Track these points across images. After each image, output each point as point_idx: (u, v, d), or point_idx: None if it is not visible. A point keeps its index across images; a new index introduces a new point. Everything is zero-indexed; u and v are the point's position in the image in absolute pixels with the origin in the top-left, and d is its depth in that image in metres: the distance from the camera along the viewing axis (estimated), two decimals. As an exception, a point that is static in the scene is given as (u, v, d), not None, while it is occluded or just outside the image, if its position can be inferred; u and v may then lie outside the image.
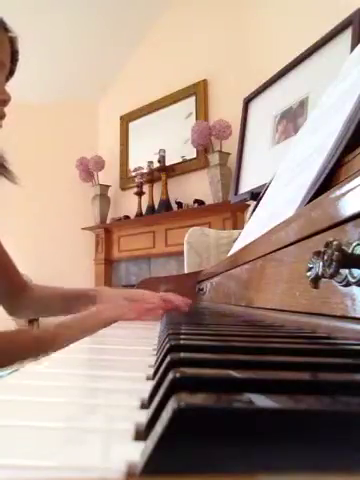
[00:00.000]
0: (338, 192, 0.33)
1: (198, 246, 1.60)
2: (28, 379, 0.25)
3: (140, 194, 3.36)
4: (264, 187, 0.99)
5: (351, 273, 0.30)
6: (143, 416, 0.17)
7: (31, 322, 2.99)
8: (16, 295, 0.97)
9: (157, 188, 3.30)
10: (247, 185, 1.79)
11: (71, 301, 0.95)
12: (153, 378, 0.25)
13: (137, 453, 0.13)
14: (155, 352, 0.35)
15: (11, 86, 0.86)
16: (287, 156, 0.81)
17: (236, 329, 0.41)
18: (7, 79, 0.83)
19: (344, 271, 0.31)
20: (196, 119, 3.11)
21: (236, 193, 1.86)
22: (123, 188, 3.68)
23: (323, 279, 0.35)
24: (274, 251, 0.50)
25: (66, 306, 0.96)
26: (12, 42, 0.82)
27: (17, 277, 0.98)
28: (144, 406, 0.19)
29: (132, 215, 3.45)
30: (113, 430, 0.16)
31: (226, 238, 1.60)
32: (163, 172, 3.22)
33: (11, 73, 0.84)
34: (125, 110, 3.68)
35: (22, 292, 0.97)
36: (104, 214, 3.66)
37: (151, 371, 0.26)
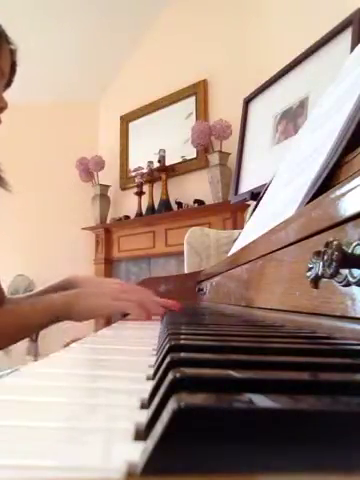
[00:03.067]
0: (338, 192, 0.33)
1: (198, 246, 1.60)
2: (28, 379, 0.25)
3: (140, 194, 3.36)
4: (264, 187, 0.99)
5: (351, 273, 0.30)
6: (143, 416, 0.17)
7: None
8: None
9: (157, 188, 3.30)
10: (247, 185, 1.79)
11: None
12: (153, 378, 0.25)
13: (137, 453, 0.13)
14: (155, 352, 0.35)
15: (12, 85, 0.87)
16: (287, 156, 0.81)
17: (236, 329, 0.41)
18: (5, 88, 0.86)
19: (344, 271, 0.31)
20: (196, 119, 3.11)
21: (236, 193, 1.86)
22: (123, 188, 3.68)
23: (323, 279, 0.35)
24: (274, 251, 0.50)
25: None
26: (12, 54, 0.85)
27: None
28: (144, 406, 0.19)
29: (132, 215, 3.45)
30: (113, 430, 0.16)
31: (226, 238, 1.60)
32: (163, 172, 3.22)
33: (9, 84, 0.87)
34: (125, 110, 3.68)
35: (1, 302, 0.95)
36: (104, 214, 3.66)
37: (151, 371, 0.26)
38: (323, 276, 0.34)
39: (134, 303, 0.74)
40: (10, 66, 0.85)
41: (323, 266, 0.33)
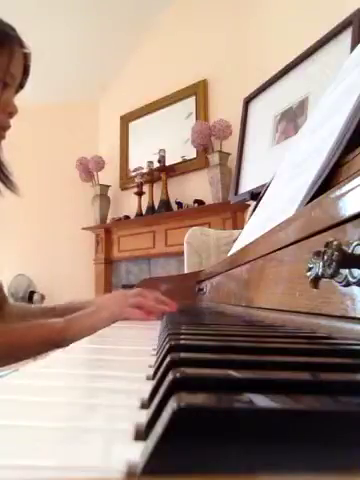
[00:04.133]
0: (338, 192, 0.33)
1: (198, 246, 1.60)
2: (28, 379, 0.25)
3: (140, 194, 3.36)
4: (264, 187, 0.99)
5: (351, 273, 0.30)
6: (143, 416, 0.17)
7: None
8: None
9: (157, 188, 3.30)
10: (247, 185, 1.78)
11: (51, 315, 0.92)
12: (153, 378, 0.25)
13: (137, 453, 0.13)
14: (155, 352, 0.35)
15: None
16: (287, 156, 0.81)
17: (236, 329, 0.41)
18: (17, 92, 0.85)
19: (344, 271, 0.31)
20: (196, 119, 3.11)
21: (236, 193, 1.86)
22: (123, 188, 3.68)
23: (323, 279, 0.35)
24: (274, 251, 0.50)
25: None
26: (26, 58, 0.85)
27: (1, 292, 0.97)
28: (144, 406, 0.19)
29: (132, 215, 3.45)
30: (113, 430, 0.16)
31: (226, 238, 1.60)
32: (163, 172, 3.22)
33: (21, 86, 0.86)
34: (125, 110, 3.68)
35: (3, 305, 0.95)
36: (104, 214, 3.66)
37: (151, 371, 0.26)
38: (323, 276, 0.34)
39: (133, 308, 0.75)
40: (23, 70, 0.85)
41: (323, 266, 0.33)
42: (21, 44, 0.83)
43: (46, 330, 0.72)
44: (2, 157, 0.92)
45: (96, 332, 0.59)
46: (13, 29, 0.82)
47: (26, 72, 0.86)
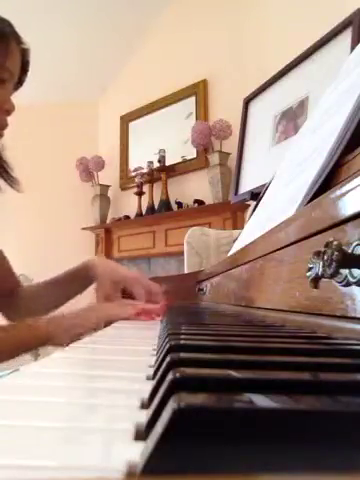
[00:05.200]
0: (338, 192, 0.33)
1: (198, 246, 1.60)
2: (28, 379, 0.25)
3: (140, 194, 3.36)
4: (264, 187, 0.99)
5: (351, 273, 0.30)
6: (143, 416, 0.17)
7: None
8: (10, 295, 0.97)
9: (157, 188, 3.30)
10: (247, 185, 1.79)
11: (66, 285, 0.96)
12: (153, 378, 0.25)
13: (137, 453, 0.13)
14: (155, 352, 0.35)
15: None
16: (287, 156, 0.81)
17: (236, 329, 0.41)
18: (15, 89, 0.84)
19: (344, 271, 0.31)
20: (196, 119, 3.11)
21: (236, 193, 1.86)
22: (123, 188, 3.68)
23: (323, 279, 0.35)
24: (274, 251, 0.50)
25: (63, 293, 0.96)
26: (24, 54, 0.83)
27: (12, 277, 0.98)
28: (144, 406, 0.19)
29: (132, 215, 3.45)
30: (113, 430, 0.16)
31: (226, 238, 1.60)
32: (163, 172, 3.22)
33: (20, 83, 0.85)
34: (125, 110, 3.68)
35: (16, 291, 0.97)
36: (104, 214, 3.66)
37: (151, 371, 0.26)
38: (323, 276, 0.34)
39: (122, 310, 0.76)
40: (21, 66, 0.83)
41: (323, 266, 0.33)
42: (18, 40, 0.81)
43: (30, 330, 0.71)
44: (2, 154, 0.92)
45: (84, 331, 0.59)
46: (10, 25, 0.80)
47: (24, 69, 0.84)
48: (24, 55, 0.83)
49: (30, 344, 0.70)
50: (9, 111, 0.82)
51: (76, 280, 0.95)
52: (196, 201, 2.98)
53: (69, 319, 0.72)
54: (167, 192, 3.21)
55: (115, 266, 0.96)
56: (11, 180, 0.90)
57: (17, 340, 0.70)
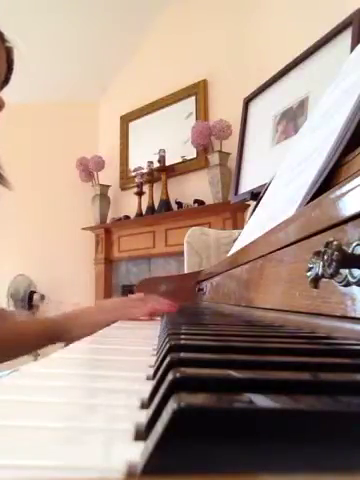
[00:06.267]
0: (338, 192, 0.33)
1: (198, 246, 1.60)
2: (28, 379, 0.25)
3: (140, 194, 3.36)
4: (264, 187, 0.99)
5: (351, 273, 0.30)
6: (143, 416, 0.17)
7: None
8: None
9: (157, 188, 3.30)
10: (247, 185, 1.79)
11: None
12: (153, 378, 0.25)
13: (137, 453, 0.13)
14: (155, 352, 0.35)
15: (12, 86, 0.86)
16: (287, 156, 0.81)
17: (236, 329, 0.41)
18: (2, 87, 0.85)
19: (344, 271, 0.31)
20: (196, 119, 3.11)
21: (236, 193, 1.86)
22: (123, 188, 3.68)
23: (323, 279, 0.35)
24: (274, 251, 0.50)
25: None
26: (8, 52, 0.83)
27: None
28: (144, 406, 0.19)
29: (132, 215, 3.45)
30: (113, 430, 0.16)
31: (226, 238, 1.60)
32: (163, 172, 3.22)
33: (6, 81, 0.86)
34: (125, 110, 3.68)
35: None
36: (104, 214, 3.66)
37: (151, 371, 0.26)
38: (323, 276, 0.34)
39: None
40: (6, 65, 0.83)
41: (323, 266, 0.33)
42: (2, 38, 0.81)
43: (47, 324, 0.72)
44: None
45: (98, 329, 0.59)
46: None
47: (10, 67, 0.85)
48: (9, 54, 0.83)
49: (47, 338, 0.71)
50: (0, 107, 0.83)
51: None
52: (196, 201, 2.98)
53: (86, 316, 0.73)
54: (167, 192, 3.21)
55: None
56: (1, 179, 0.90)
57: (37, 332, 0.70)
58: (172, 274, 2.61)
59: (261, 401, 0.14)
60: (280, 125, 1.72)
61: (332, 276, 0.32)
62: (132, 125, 3.66)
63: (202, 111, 3.13)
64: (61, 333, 0.71)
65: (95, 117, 3.95)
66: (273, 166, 1.11)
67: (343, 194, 0.32)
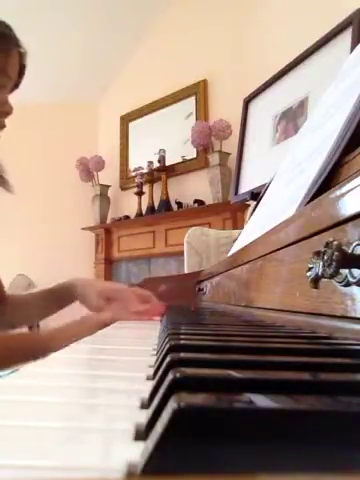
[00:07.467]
0: (338, 192, 0.33)
1: (198, 246, 1.60)
2: (28, 379, 0.25)
3: (140, 194, 3.36)
4: (264, 187, 0.99)
5: (351, 273, 0.30)
6: (143, 416, 0.17)
7: (31, 328, 2.98)
8: None
9: (157, 188, 3.30)
10: (247, 185, 1.79)
11: (48, 301, 0.96)
12: (153, 378, 0.25)
13: (137, 453, 0.13)
14: (155, 352, 0.35)
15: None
16: (287, 156, 0.81)
17: (236, 329, 0.41)
18: (12, 91, 0.85)
19: (344, 271, 0.31)
20: (196, 119, 3.11)
21: (236, 193, 1.86)
22: (123, 188, 3.68)
23: (323, 279, 0.34)
24: (274, 251, 0.50)
25: (46, 305, 0.96)
26: (21, 57, 0.83)
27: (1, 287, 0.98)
28: (144, 406, 0.19)
29: (132, 215, 3.45)
30: (113, 430, 0.16)
31: (226, 238, 1.60)
32: (163, 172, 3.22)
33: (16, 86, 0.86)
34: (125, 110, 3.68)
35: (2, 299, 0.96)
36: (104, 214, 3.66)
37: (151, 371, 0.26)
38: (323, 276, 0.34)
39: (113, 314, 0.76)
40: (19, 69, 0.83)
41: (323, 266, 0.33)
42: (17, 43, 0.81)
43: (31, 341, 0.72)
44: None
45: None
46: (10, 28, 0.80)
47: (21, 72, 0.85)
48: (22, 58, 0.84)
49: (31, 353, 0.70)
50: (8, 113, 0.83)
51: (55, 298, 0.95)
52: (196, 201, 2.98)
53: (70, 328, 0.73)
54: (167, 192, 3.21)
55: (94, 281, 0.96)
56: (3, 182, 0.90)
57: (20, 347, 0.70)
58: (172, 274, 2.61)
59: (261, 401, 0.14)
60: (280, 125, 1.72)
61: (332, 276, 0.32)
62: (132, 125, 3.66)
63: (202, 111, 3.13)
64: (44, 351, 0.70)
65: (95, 117, 3.95)
66: (273, 166, 1.11)
67: (343, 194, 0.32)
